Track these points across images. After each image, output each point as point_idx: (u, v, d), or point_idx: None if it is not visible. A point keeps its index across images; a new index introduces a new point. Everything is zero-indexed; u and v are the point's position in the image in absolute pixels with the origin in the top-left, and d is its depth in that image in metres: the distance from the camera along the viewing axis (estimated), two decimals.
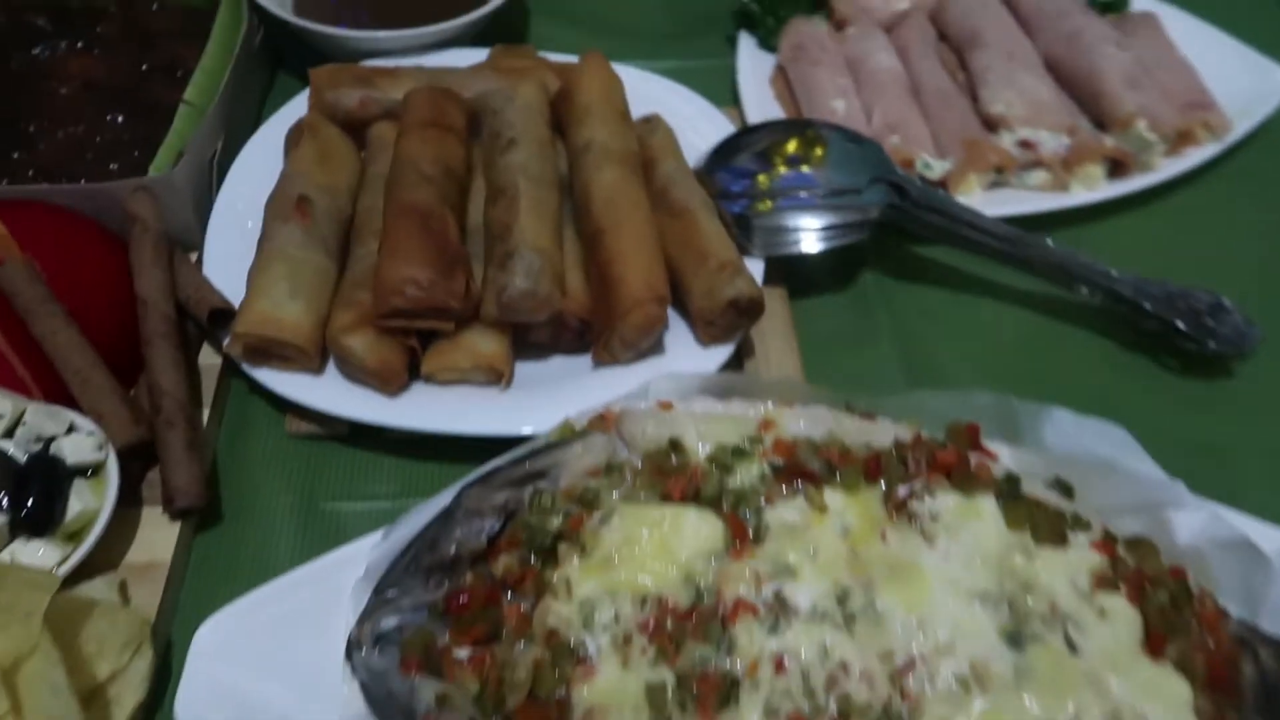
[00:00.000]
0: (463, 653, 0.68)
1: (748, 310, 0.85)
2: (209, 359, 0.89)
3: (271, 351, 0.82)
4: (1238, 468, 0.88)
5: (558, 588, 0.70)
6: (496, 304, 0.82)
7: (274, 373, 0.83)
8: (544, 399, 0.84)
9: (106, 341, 0.82)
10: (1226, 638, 0.71)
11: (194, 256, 0.94)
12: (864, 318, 1.00)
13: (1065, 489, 0.78)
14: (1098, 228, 1.09)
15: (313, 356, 0.82)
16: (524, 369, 0.88)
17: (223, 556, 0.80)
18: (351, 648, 0.68)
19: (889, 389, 0.92)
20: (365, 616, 0.69)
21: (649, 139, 0.99)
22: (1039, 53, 1.16)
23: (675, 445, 0.76)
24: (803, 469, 0.75)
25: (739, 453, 0.76)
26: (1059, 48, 1.14)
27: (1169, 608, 0.71)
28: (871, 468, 0.76)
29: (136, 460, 0.79)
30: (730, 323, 0.86)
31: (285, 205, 0.88)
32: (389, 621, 0.69)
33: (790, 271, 0.99)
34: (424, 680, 0.66)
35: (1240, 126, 1.12)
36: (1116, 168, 1.09)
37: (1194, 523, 0.75)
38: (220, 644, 0.69)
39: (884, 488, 0.75)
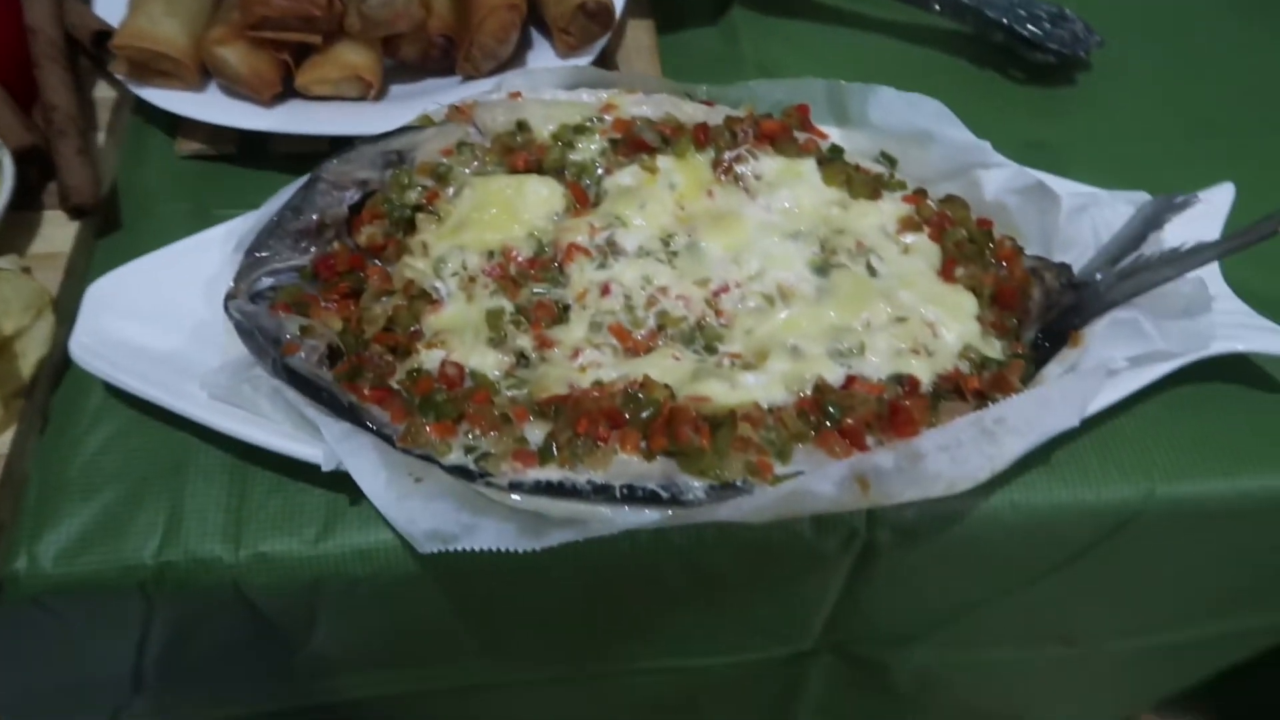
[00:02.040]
0: (328, 303, 0.81)
1: (596, 14, 0.96)
2: (104, 93, 1.00)
3: (153, 68, 0.93)
4: (1064, 155, 0.99)
5: (415, 250, 0.82)
6: (358, 14, 0.93)
7: (159, 91, 0.95)
8: (414, 107, 0.95)
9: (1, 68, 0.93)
10: (1020, 269, 0.83)
11: None
12: (730, 50, 1.11)
13: (889, 160, 0.90)
14: None
15: (191, 69, 0.93)
16: (396, 89, 0.99)
17: (122, 256, 0.91)
18: (228, 298, 0.80)
19: None
20: (240, 276, 0.81)
21: None
22: None
23: (521, 126, 0.88)
24: (638, 141, 0.87)
25: (580, 129, 0.88)
26: None
27: (966, 242, 0.83)
28: (700, 136, 0.87)
29: (33, 166, 0.90)
30: (583, 29, 0.97)
31: None
32: (263, 281, 0.81)
33: (659, 5, 1.10)
34: (291, 317, 0.78)
35: None
36: None
37: (999, 177, 0.87)
38: (113, 296, 0.81)
39: (713, 154, 0.87)
